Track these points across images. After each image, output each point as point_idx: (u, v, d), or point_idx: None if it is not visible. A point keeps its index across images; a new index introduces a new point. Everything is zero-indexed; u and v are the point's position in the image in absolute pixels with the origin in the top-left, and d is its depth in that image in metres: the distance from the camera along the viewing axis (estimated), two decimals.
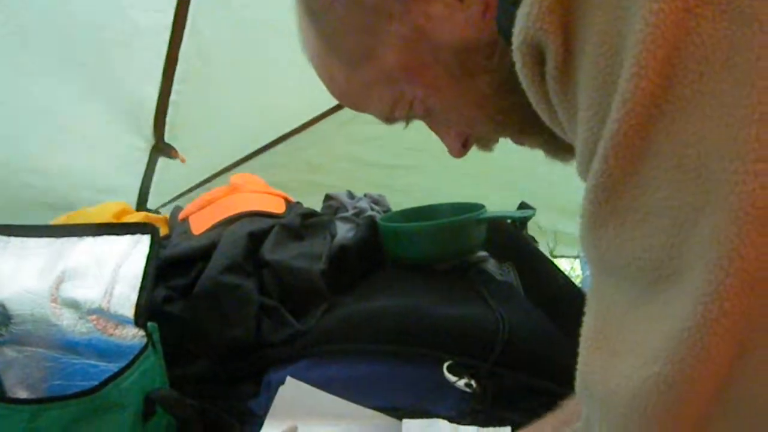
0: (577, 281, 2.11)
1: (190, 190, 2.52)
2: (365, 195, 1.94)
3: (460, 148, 0.87)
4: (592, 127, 0.57)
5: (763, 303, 0.50)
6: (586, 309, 0.62)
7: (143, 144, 2.26)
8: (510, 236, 1.69)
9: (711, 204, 0.50)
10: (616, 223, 0.56)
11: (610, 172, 0.55)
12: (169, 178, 2.41)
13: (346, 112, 2.25)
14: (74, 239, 1.33)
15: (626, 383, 0.54)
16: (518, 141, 0.85)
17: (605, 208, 0.56)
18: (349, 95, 0.88)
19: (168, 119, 2.21)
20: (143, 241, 1.31)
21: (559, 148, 0.81)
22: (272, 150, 2.57)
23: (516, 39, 0.62)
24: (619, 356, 0.56)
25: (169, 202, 2.47)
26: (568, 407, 1.04)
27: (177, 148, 2.27)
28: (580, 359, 0.61)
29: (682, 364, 0.51)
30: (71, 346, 1.26)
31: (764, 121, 0.48)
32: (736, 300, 0.49)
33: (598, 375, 0.58)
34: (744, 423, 0.54)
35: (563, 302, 1.50)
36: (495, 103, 0.79)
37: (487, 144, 0.90)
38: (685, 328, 0.51)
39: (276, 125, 2.51)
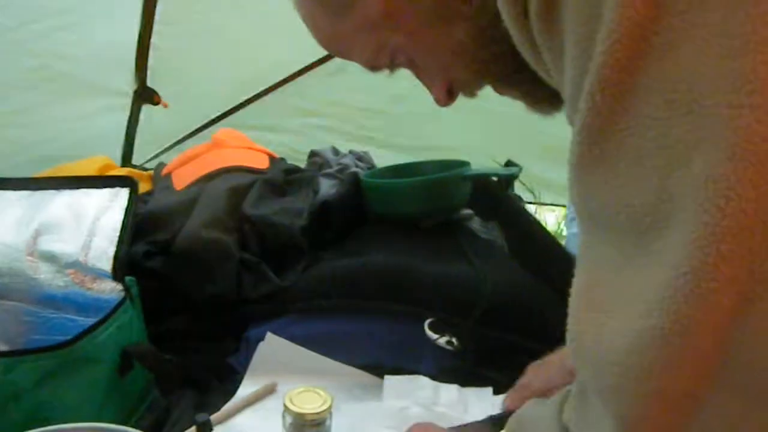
0: (562, 241, 2.10)
1: (176, 143, 2.49)
2: (350, 152, 1.93)
3: (445, 97, 0.85)
4: (580, 66, 0.54)
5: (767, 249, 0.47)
6: (576, 268, 0.59)
7: (126, 89, 2.23)
8: (495, 194, 1.67)
9: (704, 141, 0.47)
10: (605, 167, 0.53)
11: (597, 110, 0.52)
12: (154, 132, 2.39)
13: (335, 62, 2.24)
14: (52, 192, 1.31)
15: (620, 340, 0.52)
16: (498, 91, 0.84)
17: (594, 151, 0.53)
18: (334, 43, 0.87)
19: (150, 64, 2.18)
20: (122, 195, 1.29)
21: (540, 99, 0.79)
22: (261, 100, 2.53)
23: None
24: (612, 313, 0.54)
25: (154, 157, 2.44)
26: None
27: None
28: (570, 320, 0.59)
29: (679, 314, 0.49)
30: (49, 300, 1.24)
31: (759, 51, 0.45)
32: (735, 243, 0.47)
33: (590, 335, 0.55)
34: (748, 378, 0.52)
35: (547, 261, 1.49)
36: (472, 51, 0.77)
37: (472, 91, 0.88)
38: (680, 275, 0.49)
39: (264, 76, 2.48)
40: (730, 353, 0.50)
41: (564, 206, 2.34)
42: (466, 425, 1.01)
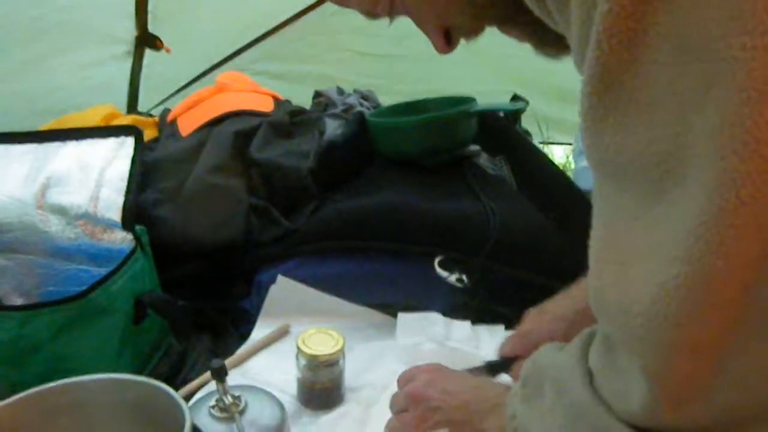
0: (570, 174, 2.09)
1: (181, 89, 2.47)
2: (354, 91, 1.91)
3: (443, 45, 0.84)
4: (584, 13, 0.52)
5: None
6: (593, 220, 0.58)
7: (127, 36, 2.21)
8: (502, 130, 1.66)
9: (717, 86, 0.46)
10: (616, 117, 0.52)
11: (605, 59, 0.50)
12: (158, 78, 2.37)
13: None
14: (57, 144, 1.31)
15: (643, 292, 0.51)
16: (503, 31, 0.82)
17: (604, 101, 0.52)
18: None
19: (150, 9, 2.15)
20: (127, 144, 1.29)
21: (547, 42, 0.77)
22: (261, 44, 2.51)
23: None
24: (633, 265, 0.53)
25: (160, 103, 2.43)
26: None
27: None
28: (590, 274, 0.58)
29: (701, 263, 0.48)
30: (61, 252, 1.25)
31: None
32: (754, 188, 0.46)
33: (612, 288, 0.55)
34: None
35: (556, 196, 1.49)
36: None
37: (471, 36, 0.87)
38: (701, 224, 0.47)
39: (265, 19, 2.46)
40: (756, 300, 0.50)
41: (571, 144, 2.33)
42: (463, 371, 1.01)
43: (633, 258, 0.53)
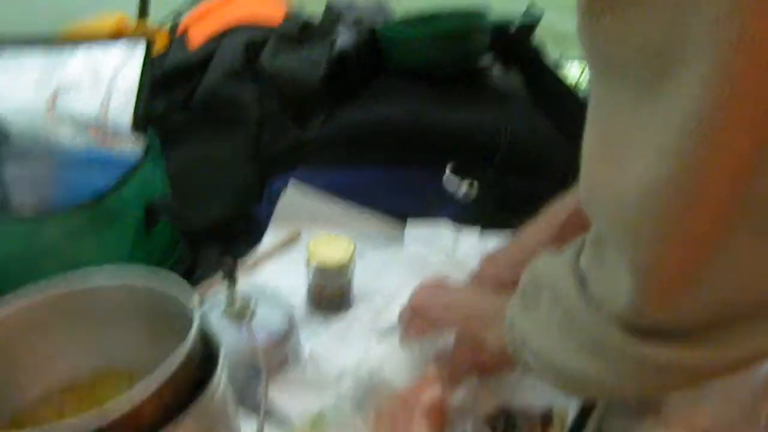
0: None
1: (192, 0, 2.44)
2: (366, 3, 1.88)
3: None
4: None
5: None
6: (587, 121, 0.58)
7: None
8: (516, 43, 1.63)
9: None
10: (614, 14, 0.51)
11: None
12: None
13: None
14: (68, 52, 1.30)
15: (635, 188, 0.52)
16: None
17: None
18: None
19: None
20: (138, 51, 1.28)
21: None
22: None
23: None
24: (626, 162, 0.52)
25: (170, 14, 2.39)
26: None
27: None
28: (583, 173, 0.58)
29: (693, 157, 0.48)
30: (73, 160, 1.25)
31: None
32: (749, 81, 0.45)
33: (604, 187, 0.55)
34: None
35: (568, 109, 1.47)
36: None
37: None
38: (694, 117, 0.47)
39: None
40: (747, 195, 0.50)
41: None
42: (477, 291, 1.02)
43: (626, 156, 0.53)
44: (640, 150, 0.51)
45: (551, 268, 0.72)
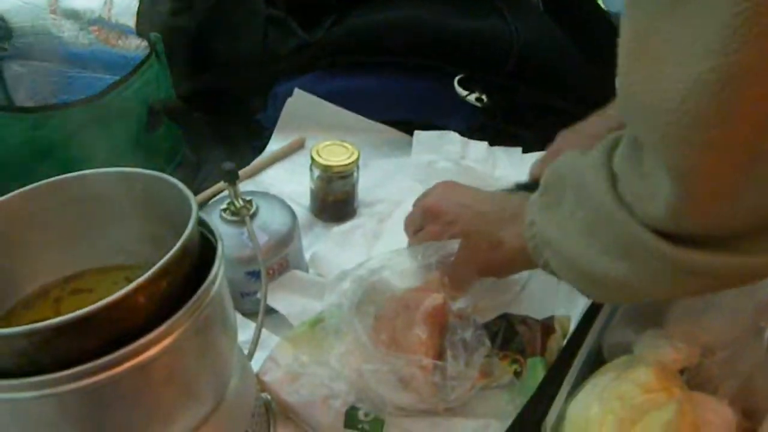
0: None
1: None
2: None
3: None
4: None
5: None
6: (623, 17, 0.55)
7: None
8: None
9: None
10: None
11: None
12: None
13: None
14: None
15: (675, 87, 0.49)
16: None
17: None
18: None
19: None
20: None
21: None
22: None
23: None
24: (664, 62, 0.50)
25: None
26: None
27: None
28: (619, 72, 0.55)
29: (738, 55, 0.45)
30: (75, 59, 1.24)
31: None
32: None
33: (641, 85, 0.53)
34: None
35: (584, 21, 1.43)
36: None
37: None
38: (737, 14, 0.44)
39: None
40: None
41: None
42: (493, 192, 1.00)
43: (665, 54, 0.51)
44: (679, 49, 0.49)
45: (579, 166, 0.69)
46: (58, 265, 0.78)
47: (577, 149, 0.95)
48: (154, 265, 0.61)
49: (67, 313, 0.68)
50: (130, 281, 0.78)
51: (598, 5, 1.49)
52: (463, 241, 0.86)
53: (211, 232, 0.71)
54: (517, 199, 0.86)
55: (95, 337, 0.54)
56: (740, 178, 0.52)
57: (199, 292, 0.64)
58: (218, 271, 0.67)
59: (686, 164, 0.53)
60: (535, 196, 0.76)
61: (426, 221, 0.93)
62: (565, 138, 1.03)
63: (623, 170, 0.63)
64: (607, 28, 1.40)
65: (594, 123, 1.01)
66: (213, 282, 0.66)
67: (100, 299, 0.79)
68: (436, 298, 0.81)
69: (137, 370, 0.56)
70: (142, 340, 0.55)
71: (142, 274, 0.79)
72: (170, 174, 1.18)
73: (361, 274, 0.83)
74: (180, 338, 0.60)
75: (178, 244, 0.62)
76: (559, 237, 0.71)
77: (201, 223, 0.69)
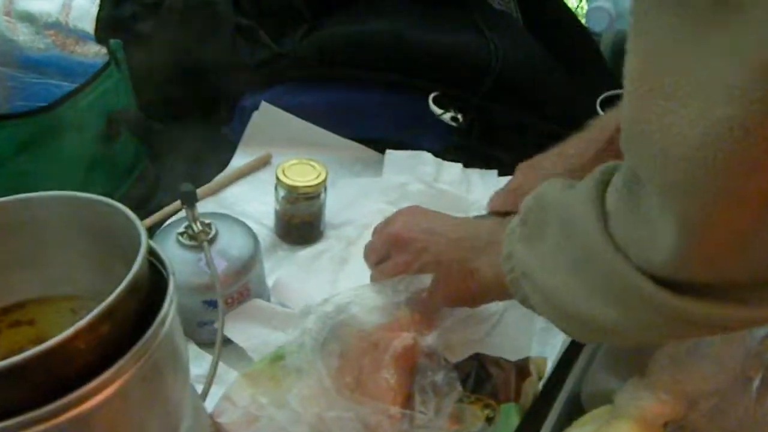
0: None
1: None
2: None
3: None
4: None
5: None
6: (629, 42, 0.50)
7: None
8: None
9: None
10: None
11: None
12: None
13: None
14: None
15: (692, 131, 0.45)
16: None
17: None
18: None
19: None
20: None
21: None
22: None
23: None
24: (679, 99, 0.46)
25: None
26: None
27: None
28: (626, 105, 0.51)
29: (763, 102, 0.42)
30: (31, 64, 1.19)
31: None
32: None
33: (651, 125, 0.48)
34: None
35: (565, 38, 1.39)
36: None
37: None
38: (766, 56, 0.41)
39: None
40: None
41: None
42: (462, 218, 0.95)
43: (680, 91, 0.46)
44: (697, 87, 0.45)
45: (565, 199, 0.65)
46: None
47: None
48: (100, 295, 0.55)
49: (5, 347, 0.63)
50: (75, 312, 0.73)
51: (581, 23, 1.46)
52: (435, 270, 0.82)
53: (163, 263, 0.66)
54: (490, 225, 0.82)
55: (29, 387, 0.49)
56: (755, 229, 0.49)
57: (147, 334, 0.58)
58: (169, 309, 0.61)
59: (698, 213, 0.49)
60: (513, 226, 0.72)
61: (392, 250, 0.87)
62: (523, 173, 0.98)
63: (618, 209, 0.59)
64: (589, 48, 1.37)
65: (553, 160, 0.96)
66: (163, 323, 0.60)
67: (41, 332, 0.73)
68: (405, 339, 0.76)
69: (77, 421, 0.50)
70: (82, 390, 0.50)
71: (87, 305, 0.73)
72: (128, 188, 1.14)
73: (327, 311, 0.77)
74: (125, 386, 0.54)
75: (123, 284, 0.56)
76: (541, 273, 0.67)
77: (152, 252, 0.64)
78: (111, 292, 0.60)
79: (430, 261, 0.83)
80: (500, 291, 0.74)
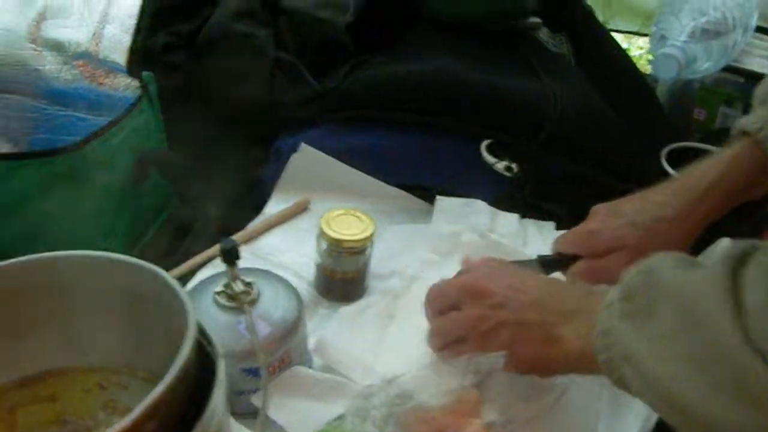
0: (641, 63, 1.88)
1: None
2: None
3: None
4: None
5: None
6: None
7: None
8: (566, 2, 1.47)
9: None
10: None
11: None
12: None
13: None
14: None
15: None
16: None
17: None
18: None
19: None
20: None
21: None
22: None
23: None
24: None
25: None
26: None
27: None
28: None
29: None
30: (56, 95, 1.13)
31: None
32: None
33: None
34: None
35: (621, 82, 1.32)
36: None
37: None
38: None
39: None
40: None
41: (645, 34, 2.08)
42: (511, 262, 0.87)
43: None
44: None
45: (686, 282, 0.58)
46: (18, 359, 0.64)
47: (616, 234, 0.83)
48: (132, 368, 0.47)
49: (24, 427, 0.55)
50: (104, 388, 0.65)
51: (635, 66, 1.38)
52: (513, 330, 0.75)
53: (210, 343, 0.57)
54: (575, 290, 0.76)
55: None
56: None
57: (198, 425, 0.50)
58: (218, 401, 0.53)
59: None
60: (612, 299, 0.64)
61: (466, 300, 0.79)
62: (602, 216, 0.92)
63: (760, 306, 0.51)
64: (649, 96, 1.30)
65: (636, 206, 0.90)
66: (212, 416, 0.52)
67: (63, 410, 0.65)
68: (475, 425, 0.67)
69: None
70: None
71: (117, 380, 0.65)
72: (155, 233, 1.07)
73: (391, 397, 0.69)
74: None
75: (171, 373, 0.48)
76: (649, 358, 0.59)
77: (198, 329, 0.55)
78: (145, 367, 0.52)
79: (508, 320, 0.76)
80: (585, 365, 0.67)
